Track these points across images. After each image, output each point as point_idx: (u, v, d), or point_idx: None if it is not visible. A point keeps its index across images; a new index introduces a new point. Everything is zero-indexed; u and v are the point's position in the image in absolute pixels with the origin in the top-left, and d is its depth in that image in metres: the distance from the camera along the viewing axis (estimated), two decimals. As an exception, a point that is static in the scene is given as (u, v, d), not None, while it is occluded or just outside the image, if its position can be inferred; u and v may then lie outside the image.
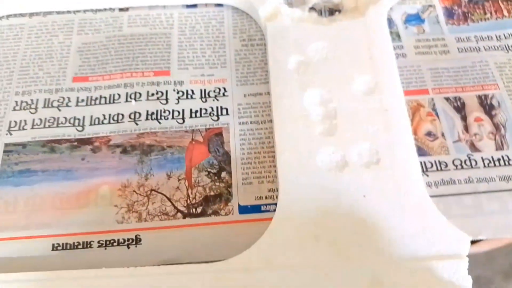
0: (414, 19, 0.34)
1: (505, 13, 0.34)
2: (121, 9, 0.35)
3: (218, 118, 0.30)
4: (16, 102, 0.31)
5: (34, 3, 0.34)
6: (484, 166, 0.28)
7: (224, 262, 0.24)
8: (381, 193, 0.26)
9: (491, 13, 0.34)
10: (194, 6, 0.35)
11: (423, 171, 0.28)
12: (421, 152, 0.29)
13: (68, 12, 0.34)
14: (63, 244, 0.26)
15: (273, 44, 0.31)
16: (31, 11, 0.34)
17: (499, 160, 0.28)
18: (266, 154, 0.29)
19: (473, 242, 0.26)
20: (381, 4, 0.32)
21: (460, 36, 0.33)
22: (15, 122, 0.30)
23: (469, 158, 0.28)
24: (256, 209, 0.27)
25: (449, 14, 0.34)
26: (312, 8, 0.33)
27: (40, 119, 0.30)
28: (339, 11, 0.34)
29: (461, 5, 0.35)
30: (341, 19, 0.32)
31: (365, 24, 0.31)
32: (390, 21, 0.34)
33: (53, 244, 0.26)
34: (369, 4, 0.32)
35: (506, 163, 0.28)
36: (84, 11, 0.35)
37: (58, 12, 0.34)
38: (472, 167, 0.28)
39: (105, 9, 0.35)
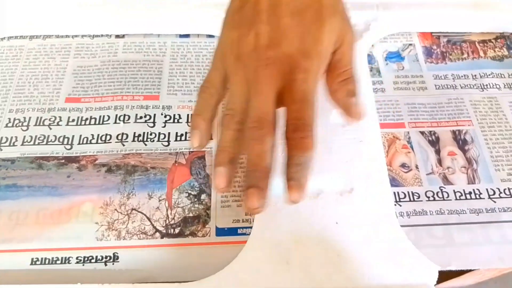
0: (395, 56, 0.36)
1: (481, 54, 0.36)
2: (117, 36, 0.37)
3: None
4: (9, 119, 0.32)
5: (35, 27, 0.36)
6: (456, 198, 0.29)
7: (196, 282, 0.25)
8: (353, 221, 0.27)
9: (468, 54, 0.36)
10: (187, 36, 0.37)
11: (396, 201, 0.29)
12: (395, 182, 0.30)
13: (67, 36, 0.36)
14: (42, 258, 0.27)
15: (259, 74, 0.33)
16: (31, 34, 0.36)
17: (470, 193, 0.29)
18: (246, 179, 0.30)
19: (457, 275, 0.26)
20: (362, 41, 0.34)
21: (438, 74, 0.35)
22: (6, 138, 0.31)
23: (441, 190, 0.29)
24: (232, 231, 0.28)
25: (428, 53, 0.36)
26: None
27: (31, 136, 0.31)
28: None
29: (439, 45, 0.37)
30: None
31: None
32: (371, 57, 0.36)
33: (32, 259, 0.27)
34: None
35: (477, 196, 0.29)
36: (82, 36, 0.36)
37: (57, 36, 0.36)
38: (444, 199, 0.29)
39: (102, 35, 0.37)
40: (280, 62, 0.25)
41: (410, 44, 0.37)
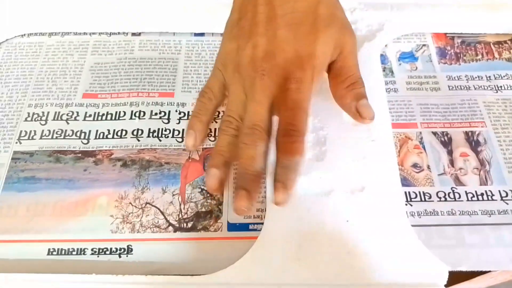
0: (408, 56, 0.36)
1: (496, 55, 0.36)
2: (133, 34, 0.37)
3: (215, 139, 0.32)
4: (28, 113, 0.33)
5: (54, 24, 0.37)
6: (468, 199, 0.29)
7: (208, 276, 0.25)
8: (364, 219, 0.27)
9: (482, 55, 0.36)
10: (202, 34, 0.38)
11: (407, 201, 0.29)
12: (406, 182, 0.30)
13: (85, 33, 0.37)
14: (58, 249, 0.28)
15: (272, 73, 0.33)
16: (50, 31, 0.37)
17: (482, 194, 0.29)
18: (258, 176, 0.30)
19: (468, 278, 0.27)
20: (375, 41, 0.34)
21: (451, 74, 0.35)
22: (25, 132, 0.32)
23: (453, 191, 0.29)
24: (244, 227, 0.28)
25: (442, 53, 0.36)
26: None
27: (49, 131, 0.32)
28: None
29: (454, 46, 0.37)
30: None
31: (359, 59, 0.33)
32: (385, 57, 0.36)
33: (49, 249, 0.28)
34: (364, 41, 0.34)
35: (489, 198, 0.29)
36: (100, 33, 0.37)
37: (76, 33, 0.37)
38: (455, 200, 0.29)
39: (119, 33, 0.37)
40: (275, 73, 0.27)
41: (424, 45, 0.37)
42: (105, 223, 0.29)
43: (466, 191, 0.29)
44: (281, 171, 0.26)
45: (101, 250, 0.28)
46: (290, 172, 0.26)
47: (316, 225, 0.27)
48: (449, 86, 0.34)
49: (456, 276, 0.26)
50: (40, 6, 0.37)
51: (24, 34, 0.37)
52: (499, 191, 0.29)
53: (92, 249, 0.28)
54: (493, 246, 0.27)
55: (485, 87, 0.34)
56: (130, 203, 0.29)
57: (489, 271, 0.29)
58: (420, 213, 0.29)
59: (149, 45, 0.37)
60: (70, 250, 0.28)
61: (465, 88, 0.34)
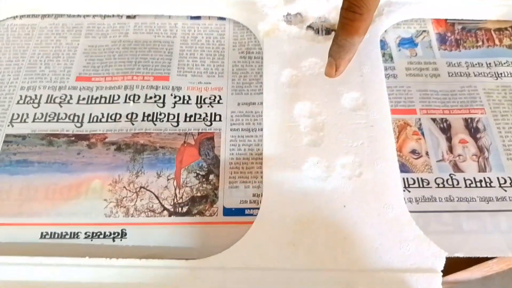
0: (408, 42, 0.36)
1: (497, 42, 0.36)
2: (128, 16, 0.37)
3: (211, 124, 0.31)
4: (21, 96, 0.32)
5: (47, 6, 0.36)
6: (466, 186, 0.29)
7: (203, 260, 0.25)
8: (361, 204, 0.27)
9: (483, 41, 0.36)
10: (198, 17, 0.37)
11: (405, 187, 0.29)
12: (404, 168, 0.29)
13: (78, 16, 0.36)
14: (51, 233, 0.27)
15: (269, 57, 0.33)
16: (43, 13, 0.36)
17: (481, 181, 0.29)
18: (254, 161, 0.30)
19: (464, 267, 0.26)
20: (375, 26, 0.34)
21: (451, 61, 0.35)
22: (18, 114, 0.32)
23: (451, 177, 0.29)
24: (240, 212, 0.28)
25: (442, 40, 0.36)
26: (309, 27, 0.35)
27: (42, 114, 0.32)
28: (335, 30, 0.35)
29: (454, 32, 0.36)
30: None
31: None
32: (384, 43, 0.35)
33: (41, 233, 0.27)
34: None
35: (488, 185, 0.29)
36: (94, 16, 0.36)
37: (69, 16, 0.36)
38: (453, 186, 0.29)
39: (113, 16, 0.37)
40: None
41: (424, 31, 0.36)
42: (99, 207, 0.28)
43: (464, 178, 0.29)
44: (336, 48, 0.27)
45: (94, 234, 0.27)
46: (343, 52, 0.27)
47: (313, 210, 0.26)
48: (449, 73, 0.34)
49: (452, 266, 0.26)
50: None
51: (17, 16, 0.36)
52: (498, 178, 0.29)
53: (85, 233, 0.27)
54: (490, 232, 0.27)
55: (485, 74, 0.34)
56: (124, 187, 0.29)
57: (485, 261, 0.29)
58: (418, 199, 0.28)
59: (144, 28, 0.36)
60: (63, 233, 0.27)
61: (465, 75, 0.34)
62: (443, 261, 0.25)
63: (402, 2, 0.36)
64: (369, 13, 0.26)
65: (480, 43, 0.36)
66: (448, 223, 0.28)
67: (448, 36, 0.36)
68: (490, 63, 0.34)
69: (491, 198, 0.28)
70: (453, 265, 0.26)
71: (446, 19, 0.37)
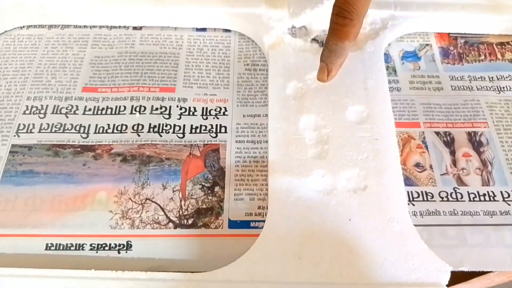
0: (411, 56, 0.36)
1: (499, 56, 0.36)
2: (134, 28, 0.37)
3: (217, 135, 0.31)
4: (27, 106, 0.32)
5: (53, 16, 0.36)
6: (470, 200, 0.29)
7: (208, 273, 0.25)
8: (366, 218, 0.27)
9: (485, 55, 0.36)
10: (204, 29, 0.37)
11: (409, 200, 0.29)
12: (409, 182, 0.30)
13: (85, 27, 0.37)
14: (56, 244, 0.27)
15: (274, 70, 0.33)
16: (50, 23, 0.37)
17: (484, 195, 0.29)
18: (260, 173, 0.30)
19: (465, 280, 0.26)
20: (379, 39, 0.34)
21: (454, 75, 0.35)
22: (24, 125, 0.32)
23: (455, 191, 0.29)
24: (245, 224, 0.28)
25: (445, 53, 0.36)
26: (314, 40, 0.35)
27: (48, 124, 0.32)
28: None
29: (457, 46, 0.37)
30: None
31: (362, 57, 0.33)
32: (388, 56, 0.36)
33: (46, 244, 0.27)
34: (368, 39, 0.34)
35: (492, 198, 0.29)
36: (100, 27, 0.37)
37: (76, 26, 0.37)
38: (457, 200, 0.29)
39: (119, 27, 0.37)
40: None
41: (427, 44, 0.37)
42: (104, 219, 0.28)
43: (468, 192, 0.29)
44: (327, 53, 0.28)
45: (100, 246, 0.27)
46: (334, 56, 0.28)
47: (318, 224, 0.27)
48: (452, 86, 0.34)
49: (452, 278, 0.26)
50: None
51: (23, 26, 0.37)
52: (501, 192, 0.29)
53: (90, 245, 0.27)
54: (494, 246, 0.27)
55: (488, 88, 0.34)
56: (130, 198, 0.29)
57: (487, 273, 0.29)
58: (422, 212, 0.29)
59: (150, 40, 0.36)
60: (68, 245, 0.27)
61: (468, 89, 0.34)
62: (448, 275, 0.25)
63: (406, 16, 0.36)
64: (358, 18, 0.27)
65: (482, 57, 0.36)
66: (452, 236, 0.28)
67: (451, 50, 0.36)
68: (492, 77, 0.35)
69: (495, 212, 0.29)
70: (452, 277, 0.26)
71: (449, 33, 0.37)
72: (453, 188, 0.29)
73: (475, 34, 0.37)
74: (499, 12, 0.36)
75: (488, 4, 0.37)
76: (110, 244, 0.27)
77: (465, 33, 0.37)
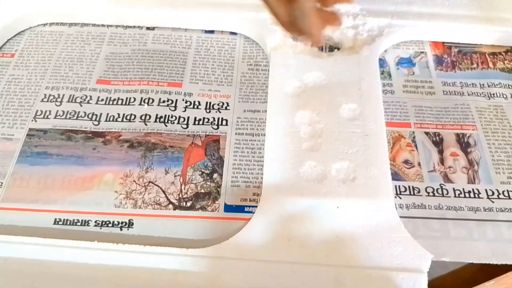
0: (406, 62, 0.38)
1: (491, 65, 0.38)
2: (148, 28, 0.40)
3: (218, 127, 0.34)
4: (45, 94, 0.35)
5: (74, 15, 0.39)
6: (455, 196, 0.30)
7: (203, 249, 0.27)
8: (353, 206, 0.28)
9: (477, 64, 0.38)
10: (212, 32, 0.40)
11: (397, 193, 0.30)
12: (397, 177, 0.31)
13: (102, 25, 0.40)
14: (64, 219, 0.30)
15: (275, 70, 0.35)
16: (71, 21, 0.40)
17: (469, 192, 0.31)
18: (256, 163, 0.32)
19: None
20: (375, 45, 0.36)
21: (447, 80, 0.37)
22: (41, 111, 0.34)
23: (441, 187, 0.31)
24: (240, 209, 0.30)
25: (439, 61, 0.38)
26: (314, 43, 0.38)
27: (63, 111, 0.34)
28: (338, 48, 0.38)
29: (450, 55, 0.39)
30: (337, 55, 0.36)
31: (358, 61, 0.35)
32: (384, 62, 0.38)
33: (55, 219, 0.30)
34: (365, 44, 0.36)
35: (476, 196, 0.30)
36: (116, 26, 0.40)
37: (94, 25, 0.40)
38: (443, 195, 0.30)
39: (134, 27, 0.40)
40: None
41: (422, 52, 0.39)
42: (110, 198, 0.30)
43: (454, 188, 0.31)
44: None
45: (103, 223, 0.29)
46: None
47: (308, 209, 0.28)
48: (443, 91, 0.36)
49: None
50: (63, -2, 0.40)
51: (46, 24, 0.40)
52: (486, 189, 0.31)
53: (95, 221, 0.29)
54: (477, 240, 0.28)
55: (478, 94, 0.36)
56: (134, 181, 0.31)
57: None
58: (408, 205, 0.30)
59: (161, 39, 0.39)
60: (75, 221, 0.29)
61: (459, 94, 0.36)
62: (429, 263, 0.26)
63: (402, 24, 0.38)
64: None
65: (475, 65, 0.38)
66: (436, 229, 0.29)
67: (445, 58, 0.38)
68: (483, 84, 0.36)
69: (479, 208, 0.30)
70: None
71: (443, 42, 0.39)
72: (440, 185, 0.31)
73: (469, 43, 0.39)
74: (492, 24, 0.38)
75: (482, 16, 0.38)
76: (113, 222, 0.29)
77: (459, 43, 0.39)
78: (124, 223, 0.29)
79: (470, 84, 0.37)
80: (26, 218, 0.30)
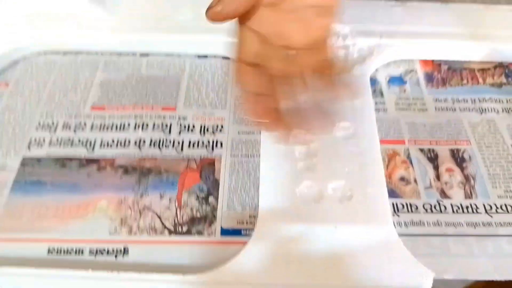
0: (397, 80, 0.38)
1: (480, 80, 0.38)
2: (142, 54, 0.40)
3: (213, 150, 0.34)
4: (39, 122, 0.35)
5: (69, 44, 0.40)
6: (453, 211, 0.30)
7: (200, 275, 0.26)
8: (351, 225, 0.28)
9: (467, 80, 0.38)
10: (205, 57, 0.40)
11: (394, 211, 0.30)
12: (394, 194, 0.31)
13: (96, 53, 0.40)
14: (57, 249, 0.29)
15: (268, 91, 0.35)
16: (65, 50, 0.40)
17: (467, 207, 0.30)
18: (252, 184, 0.32)
19: None
20: (365, 65, 0.37)
21: (438, 97, 0.37)
22: (35, 139, 0.34)
23: (439, 203, 0.31)
24: (237, 232, 0.29)
25: (429, 78, 0.39)
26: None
27: (57, 139, 0.34)
28: (330, 68, 0.38)
29: (440, 72, 0.39)
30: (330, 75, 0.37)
31: (350, 80, 0.35)
32: (375, 81, 0.38)
33: (48, 248, 0.29)
34: (355, 64, 0.37)
35: (474, 211, 0.30)
36: (110, 53, 0.40)
37: (88, 53, 0.40)
38: (441, 211, 0.30)
39: (128, 53, 0.40)
40: None
41: (412, 70, 0.39)
42: (104, 225, 0.30)
43: (451, 204, 0.31)
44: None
45: (98, 251, 0.29)
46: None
47: (306, 230, 0.28)
48: (436, 108, 0.36)
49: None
50: (58, 27, 0.40)
51: (41, 53, 0.40)
52: (484, 204, 0.30)
53: (89, 250, 0.29)
54: (477, 256, 0.28)
55: (470, 109, 0.36)
56: (129, 207, 0.31)
57: None
58: (407, 223, 0.30)
59: (155, 65, 0.40)
60: (69, 250, 0.29)
61: (451, 110, 0.36)
62: (431, 281, 0.26)
63: (391, 44, 0.39)
64: None
65: (465, 81, 0.38)
66: (436, 246, 0.29)
67: (435, 75, 0.39)
68: (474, 100, 0.37)
69: (478, 224, 0.30)
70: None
71: (432, 60, 0.40)
72: (437, 201, 0.31)
73: (458, 60, 0.40)
74: (479, 41, 0.39)
75: (469, 33, 0.39)
76: (108, 249, 0.29)
77: (448, 60, 0.40)
78: (119, 250, 0.29)
79: (461, 100, 0.37)
80: (20, 249, 0.29)
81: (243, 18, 0.27)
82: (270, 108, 0.27)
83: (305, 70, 0.28)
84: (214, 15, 0.25)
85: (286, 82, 0.27)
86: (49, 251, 0.29)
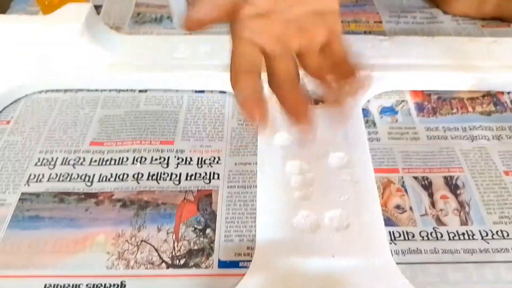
0: (389, 110, 0.40)
1: (470, 109, 0.39)
2: (140, 91, 0.41)
3: (210, 182, 0.34)
4: (39, 158, 0.36)
5: (69, 82, 0.41)
6: (450, 239, 0.30)
7: (197, 308, 0.26)
8: (348, 255, 0.28)
9: (457, 109, 0.40)
10: (202, 91, 0.42)
11: (391, 239, 0.30)
12: (390, 222, 0.31)
13: (96, 90, 0.41)
14: (54, 285, 0.29)
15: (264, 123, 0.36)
16: (66, 88, 0.41)
17: (463, 234, 0.31)
18: (249, 215, 0.32)
19: None
20: (357, 96, 0.38)
21: (430, 126, 0.38)
22: (34, 175, 0.35)
23: (435, 230, 0.31)
24: (234, 264, 0.29)
25: (420, 108, 0.40)
26: (300, 97, 0.39)
27: (56, 174, 0.35)
28: (323, 101, 0.39)
29: (430, 101, 0.40)
30: (322, 107, 0.38)
31: (342, 111, 0.36)
32: (368, 111, 0.39)
33: (45, 284, 0.29)
34: (348, 96, 0.38)
35: (471, 237, 0.30)
36: (110, 90, 0.41)
37: (88, 90, 0.41)
38: (437, 239, 0.30)
39: (127, 90, 0.41)
40: None
41: (403, 101, 0.40)
42: (101, 260, 0.30)
43: (447, 231, 0.31)
44: None
45: (95, 286, 0.29)
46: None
47: (303, 260, 0.28)
48: (427, 136, 0.37)
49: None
50: (58, 66, 0.42)
51: (42, 91, 0.41)
52: (479, 230, 0.31)
53: (87, 285, 0.29)
54: (476, 283, 0.28)
55: (461, 137, 0.37)
56: (127, 240, 0.31)
57: None
58: (404, 251, 0.30)
59: (154, 100, 0.41)
60: (66, 285, 0.29)
61: (443, 138, 0.37)
62: (430, 310, 0.26)
63: (382, 76, 0.40)
64: None
65: (455, 110, 0.39)
66: (434, 274, 0.29)
67: (426, 105, 0.40)
68: (465, 127, 0.38)
69: (475, 250, 0.30)
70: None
71: (422, 91, 0.41)
72: (433, 228, 0.31)
73: (447, 90, 0.41)
74: (466, 71, 0.40)
75: (456, 64, 0.41)
76: (105, 284, 0.29)
77: (437, 90, 0.41)
78: (116, 286, 0.29)
79: (452, 128, 0.38)
80: (16, 285, 0.29)
81: (232, 28, 0.26)
82: (268, 111, 0.27)
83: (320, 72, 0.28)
84: (187, 23, 0.25)
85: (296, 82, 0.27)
86: (45, 287, 0.29)
